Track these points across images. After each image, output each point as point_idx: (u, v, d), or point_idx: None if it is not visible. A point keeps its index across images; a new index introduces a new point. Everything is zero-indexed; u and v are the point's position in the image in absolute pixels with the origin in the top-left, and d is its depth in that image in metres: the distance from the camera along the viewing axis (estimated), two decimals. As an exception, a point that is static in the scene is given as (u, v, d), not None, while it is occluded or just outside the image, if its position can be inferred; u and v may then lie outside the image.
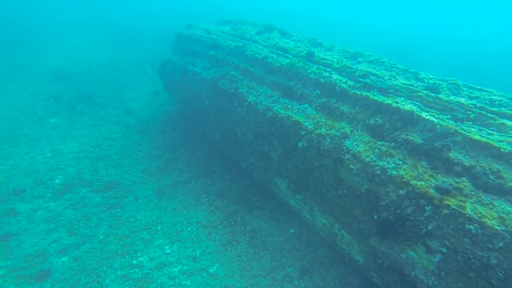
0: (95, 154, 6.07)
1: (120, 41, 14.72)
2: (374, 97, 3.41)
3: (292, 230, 4.63)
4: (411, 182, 2.68)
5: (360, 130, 3.41)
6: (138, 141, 6.83)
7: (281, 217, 4.84)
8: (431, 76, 3.87)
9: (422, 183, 2.64)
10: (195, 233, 4.51)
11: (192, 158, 6.50)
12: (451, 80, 3.65)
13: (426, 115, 3.01)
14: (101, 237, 4.40)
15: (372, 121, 3.32)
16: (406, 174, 2.75)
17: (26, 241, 4.23)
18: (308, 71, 4.06)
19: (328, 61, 4.24)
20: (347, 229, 3.49)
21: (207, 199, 5.17)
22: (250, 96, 4.55)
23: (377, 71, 3.89)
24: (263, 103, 4.30)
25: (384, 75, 3.78)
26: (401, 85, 3.59)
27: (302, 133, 3.71)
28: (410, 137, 2.97)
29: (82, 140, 6.47)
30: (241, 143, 5.04)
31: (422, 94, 3.34)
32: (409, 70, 4.07)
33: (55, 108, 7.86)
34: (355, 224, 3.30)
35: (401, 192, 2.73)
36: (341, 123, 3.55)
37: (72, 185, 5.30)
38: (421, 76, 3.88)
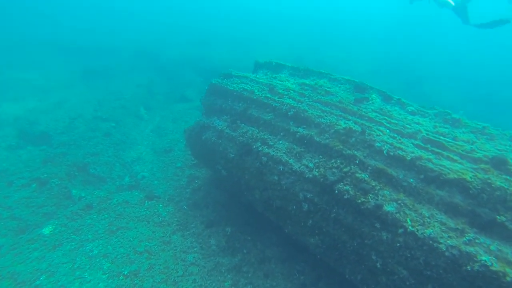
0: (136, 292, 4.07)
1: (94, 72, 12.04)
2: None
3: None
4: None
5: None
6: (183, 248, 4.91)
7: None
8: None
9: None
10: None
11: (265, 263, 4.79)
12: None
13: None
14: None
15: None
16: None
17: None
18: (529, 199, 2.70)
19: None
20: None
21: None
22: (410, 222, 3.06)
23: None
24: (448, 243, 2.83)
25: None
26: None
27: None
28: None
29: (107, 265, 4.37)
30: (375, 270, 3.54)
31: None
32: None
33: (41, 200, 5.51)
34: None
35: None
36: None
37: None
38: None
